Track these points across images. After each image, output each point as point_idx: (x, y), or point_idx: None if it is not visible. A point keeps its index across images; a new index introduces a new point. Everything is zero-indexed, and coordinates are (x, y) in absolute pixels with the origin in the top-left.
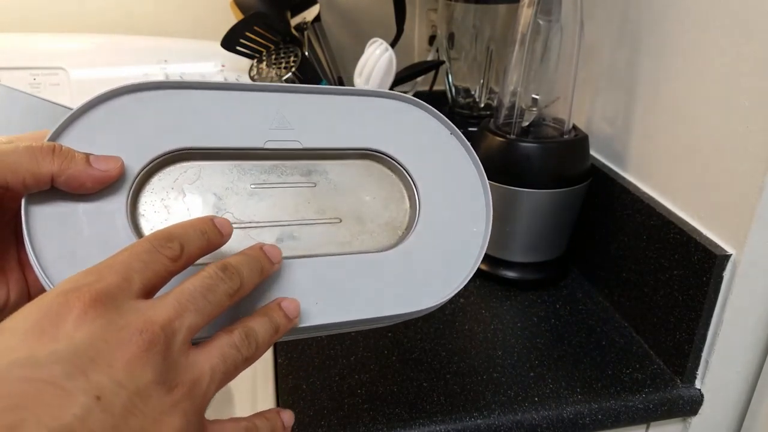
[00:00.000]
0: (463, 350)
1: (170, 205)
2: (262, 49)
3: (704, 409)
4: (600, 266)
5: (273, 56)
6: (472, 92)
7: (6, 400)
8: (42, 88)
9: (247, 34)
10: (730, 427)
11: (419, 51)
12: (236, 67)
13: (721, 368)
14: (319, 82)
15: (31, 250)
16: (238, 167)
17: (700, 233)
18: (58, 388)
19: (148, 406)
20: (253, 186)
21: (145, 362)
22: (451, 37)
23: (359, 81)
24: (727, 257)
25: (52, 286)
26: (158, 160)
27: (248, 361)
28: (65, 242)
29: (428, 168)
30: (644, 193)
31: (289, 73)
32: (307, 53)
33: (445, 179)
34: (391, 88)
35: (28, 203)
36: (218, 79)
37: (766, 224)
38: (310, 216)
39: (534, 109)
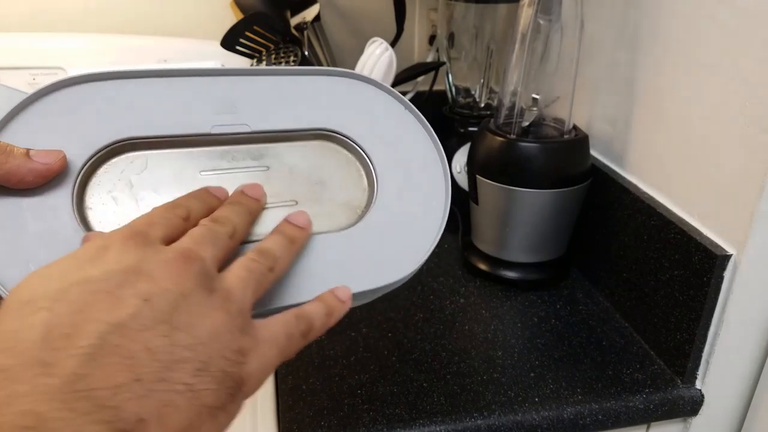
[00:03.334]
0: (463, 350)
1: (118, 197)
2: (261, 49)
3: (705, 410)
4: (600, 266)
5: (273, 56)
6: (473, 92)
7: (68, 306)
8: None
9: (247, 33)
10: (730, 427)
11: (419, 51)
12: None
13: (721, 368)
14: None
15: None
16: (187, 155)
17: (700, 233)
18: (112, 295)
19: (193, 304)
20: (202, 173)
21: (186, 272)
22: (451, 37)
23: None
24: (727, 257)
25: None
26: (103, 152)
27: (272, 269)
28: (10, 239)
29: (384, 145)
30: (644, 193)
31: None
32: (306, 53)
33: (401, 155)
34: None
35: None
36: None
37: (766, 224)
38: (265, 200)
39: (534, 108)
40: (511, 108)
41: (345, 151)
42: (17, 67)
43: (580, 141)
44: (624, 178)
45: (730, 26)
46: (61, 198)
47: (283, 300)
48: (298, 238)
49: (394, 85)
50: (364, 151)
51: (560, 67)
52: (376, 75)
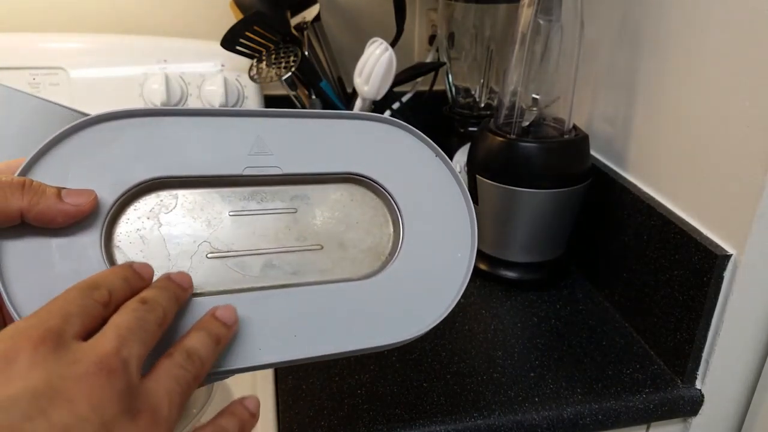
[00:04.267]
0: (463, 350)
1: (146, 236)
2: (261, 49)
3: (705, 410)
4: (600, 266)
5: (273, 56)
6: (473, 92)
7: None
8: (41, 88)
9: (247, 33)
10: (730, 427)
11: (419, 51)
12: (236, 66)
13: (721, 368)
14: (319, 82)
15: (2, 287)
16: (217, 195)
17: (700, 233)
18: None
19: None
20: (231, 213)
21: (107, 393)
22: (451, 37)
23: (359, 81)
24: (727, 257)
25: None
26: (133, 190)
27: (198, 377)
28: (38, 278)
29: (412, 191)
30: (644, 193)
31: (289, 73)
32: (306, 53)
33: (429, 203)
34: (391, 88)
35: (4, 243)
36: (218, 78)
37: (766, 224)
38: (291, 243)
39: (534, 108)
40: (511, 108)
41: (373, 196)
42: (17, 67)
43: (580, 141)
44: (624, 178)
45: (729, 26)
46: (89, 236)
47: (303, 351)
48: (223, 338)
49: (394, 85)
50: (391, 197)
51: (560, 67)
52: (376, 75)
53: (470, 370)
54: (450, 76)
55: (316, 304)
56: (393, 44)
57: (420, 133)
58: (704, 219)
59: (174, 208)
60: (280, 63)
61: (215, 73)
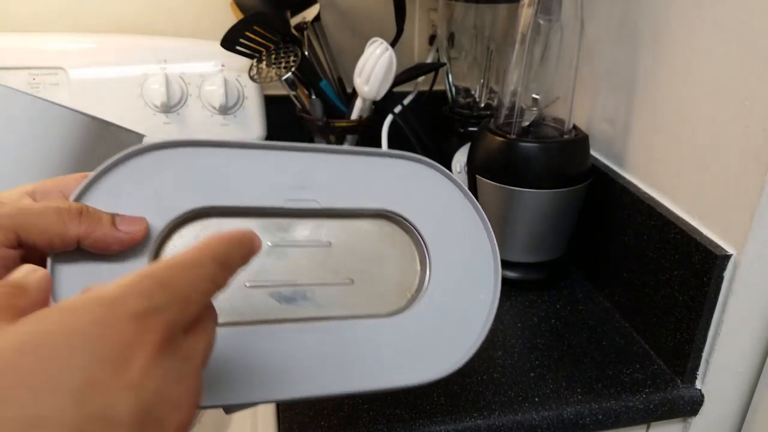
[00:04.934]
0: None
1: None
2: (261, 49)
3: (705, 410)
4: (600, 266)
5: (273, 56)
6: (473, 92)
7: None
8: (41, 88)
9: (247, 33)
10: (730, 427)
11: (419, 51)
12: (236, 66)
13: (721, 368)
14: (319, 82)
15: None
16: (257, 225)
17: (700, 233)
18: None
19: None
20: (270, 244)
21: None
22: (451, 37)
23: (359, 81)
24: (727, 257)
25: None
26: (179, 219)
27: None
28: None
29: (439, 230)
30: (644, 193)
31: (289, 73)
32: (306, 53)
33: (455, 242)
34: (391, 89)
35: (54, 262)
36: (218, 78)
37: (766, 224)
38: (324, 276)
39: (534, 108)
40: (511, 108)
41: (402, 233)
42: (17, 68)
43: (579, 141)
44: (624, 178)
45: (729, 26)
46: (137, 262)
47: (325, 387)
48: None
49: (394, 85)
50: (419, 235)
51: (560, 67)
52: (376, 75)
53: (470, 369)
54: (450, 76)
55: (344, 339)
56: (393, 44)
57: (448, 172)
58: (704, 219)
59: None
60: (280, 63)
61: (215, 73)
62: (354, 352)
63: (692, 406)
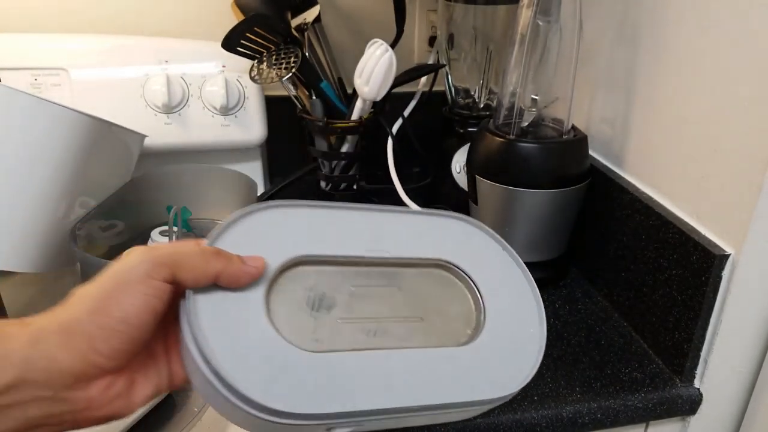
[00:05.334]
0: None
1: (294, 297)
2: (262, 50)
3: (703, 409)
4: (599, 266)
5: (273, 57)
6: (472, 93)
7: None
8: (43, 88)
9: (248, 35)
10: (728, 426)
11: (419, 52)
12: (237, 67)
13: (719, 368)
14: (319, 83)
15: (192, 335)
16: (343, 271)
17: (698, 233)
18: None
19: None
20: (353, 287)
21: None
22: (450, 38)
23: (359, 81)
24: (725, 257)
25: (204, 359)
26: (286, 263)
27: None
28: (220, 323)
29: (487, 276)
30: (643, 193)
31: (290, 74)
32: (307, 54)
33: (501, 286)
34: (391, 89)
35: (194, 294)
36: (219, 79)
37: (764, 224)
38: (398, 314)
39: (533, 109)
40: (511, 108)
41: (456, 279)
42: (18, 68)
43: (578, 141)
44: (623, 178)
45: (728, 26)
46: (255, 293)
47: (398, 400)
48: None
49: (394, 86)
50: (471, 280)
51: (559, 67)
52: (376, 76)
53: None
54: (450, 77)
55: (422, 363)
56: (393, 45)
57: (490, 230)
58: (702, 219)
59: (315, 282)
60: (281, 64)
61: (216, 73)
62: (431, 374)
63: (691, 405)
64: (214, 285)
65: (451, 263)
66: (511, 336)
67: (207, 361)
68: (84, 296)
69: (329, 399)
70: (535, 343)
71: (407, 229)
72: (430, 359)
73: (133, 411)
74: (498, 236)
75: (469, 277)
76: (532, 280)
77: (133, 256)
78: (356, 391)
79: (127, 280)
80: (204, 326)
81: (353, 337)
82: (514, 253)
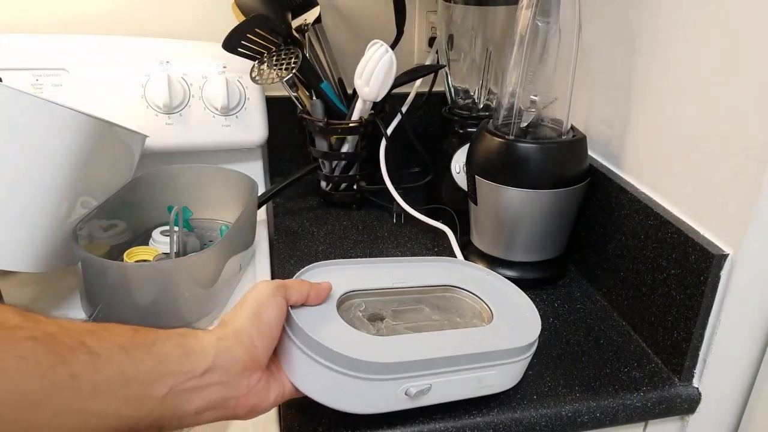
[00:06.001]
0: None
1: (351, 318)
2: (263, 51)
3: (702, 408)
4: (598, 266)
5: (274, 58)
6: (471, 93)
7: None
8: (44, 88)
9: (248, 35)
10: (727, 425)
11: (419, 53)
12: (238, 68)
13: (718, 367)
14: (319, 84)
15: (296, 334)
16: (383, 299)
17: (697, 233)
18: None
19: None
20: (392, 309)
21: None
22: (450, 39)
23: (359, 82)
24: (724, 257)
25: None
26: (341, 297)
27: None
28: (311, 326)
29: (484, 290)
30: (642, 193)
31: (290, 75)
32: (307, 54)
33: (496, 294)
34: (391, 90)
35: (294, 308)
36: (220, 80)
37: (763, 224)
38: (431, 320)
39: (532, 110)
40: (510, 109)
41: (464, 296)
42: (19, 68)
43: (577, 142)
44: (621, 179)
45: (727, 27)
46: (328, 308)
47: (450, 350)
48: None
49: (394, 87)
50: (475, 295)
51: (558, 68)
52: (377, 77)
53: None
54: (449, 78)
55: (456, 335)
56: (393, 46)
57: (476, 264)
58: (701, 218)
59: (363, 307)
60: (282, 65)
61: (217, 74)
62: (467, 338)
63: (689, 404)
64: (303, 306)
65: (456, 286)
66: (515, 319)
67: (304, 337)
68: (240, 314)
69: (396, 356)
70: (533, 321)
71: (418, 269)
72: (463, 333)
73: (268, 408)
74: (482, 267)
75: (471, 292)
76: (515, 286)
77: (261, 284)
78: (415, 351)
79: (265, 297)
80: (303, 325)
81: (403, 331)
82: (497, 273)
